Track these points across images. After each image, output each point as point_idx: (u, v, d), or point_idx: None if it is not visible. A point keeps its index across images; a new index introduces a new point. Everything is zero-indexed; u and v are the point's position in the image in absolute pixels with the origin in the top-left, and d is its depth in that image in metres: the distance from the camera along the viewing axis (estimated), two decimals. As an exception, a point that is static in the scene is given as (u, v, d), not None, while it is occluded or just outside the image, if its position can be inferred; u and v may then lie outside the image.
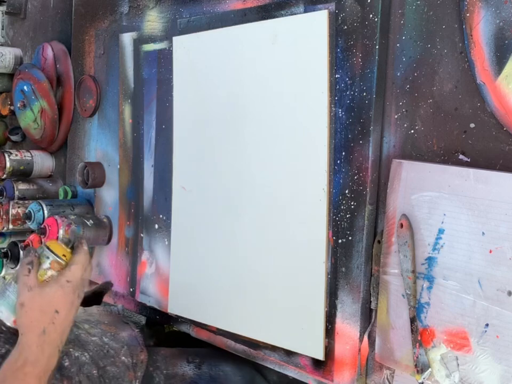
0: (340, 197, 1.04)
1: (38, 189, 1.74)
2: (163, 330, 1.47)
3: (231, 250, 1.23)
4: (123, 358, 1.16)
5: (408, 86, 0.97)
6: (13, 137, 1.92)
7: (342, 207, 1.04)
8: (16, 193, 1.69)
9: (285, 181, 1.12)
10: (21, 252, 1.68)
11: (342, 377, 1.05)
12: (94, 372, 1.09)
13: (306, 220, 1.09)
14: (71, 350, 1.08)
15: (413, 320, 0.94)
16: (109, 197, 1.56)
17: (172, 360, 1.23)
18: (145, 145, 1.44)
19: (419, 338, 0.93)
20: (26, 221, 1.59)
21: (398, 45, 0.98)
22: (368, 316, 1.03)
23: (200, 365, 1.23)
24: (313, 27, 1.06)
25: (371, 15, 0.99)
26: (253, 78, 1.17)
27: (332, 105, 1.05)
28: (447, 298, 0.90)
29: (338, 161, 1.04)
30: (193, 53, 1.30)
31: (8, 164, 1.71)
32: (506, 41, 0.84)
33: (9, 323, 0.96)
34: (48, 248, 0.99)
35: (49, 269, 0.97)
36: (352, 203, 1.03)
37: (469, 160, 0.90)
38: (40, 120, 1.71)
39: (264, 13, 1.16)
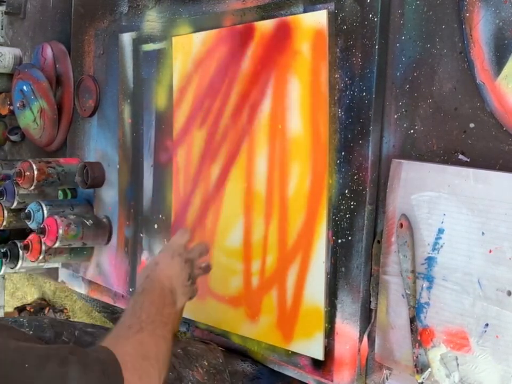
0: (340, 197, 1.04)
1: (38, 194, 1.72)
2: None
3: (230, 249, 1.23)
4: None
5: (407, 86, 0.97)
6: (12, 137, 1.92)
7: (342, 207, 1.04)
8: (17, 197, 1.68)
9: (285, 181, 1.12)
10: (21, 252, 1.68)
11: (341, 377, 1.05)
12: None
13: (306, 219, 1.09)
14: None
15: (412, 320, 0.94)
16: (109, 197, 1.56)
17: (227, 359, 1.23)
18: (144, 145, 1.44)
19: (419, 338, 0.93)
20: (26, 221, 1.59)
21: (397, 44, 0.98)
22: (367, 316, 1.03)
23: (254, 362, 1.23)
24: (313, 27, 1.06)
25: (370, 15, 0.99)
26: (252, 77, 1.17)
27: (332, 105, 1.05)
28: (447, 298, 0.90)
29: (338, 161, 1.04)
30: (192, 53, 1.30)
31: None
32: (506, 41, 0.84)
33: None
34: None
35: None
36: (351, 203, 1.03)
37: (468, 160, 0.90)
38: (39, 120, 1.71)
39: (263, 13, 1.16)
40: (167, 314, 1.00)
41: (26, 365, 0.78)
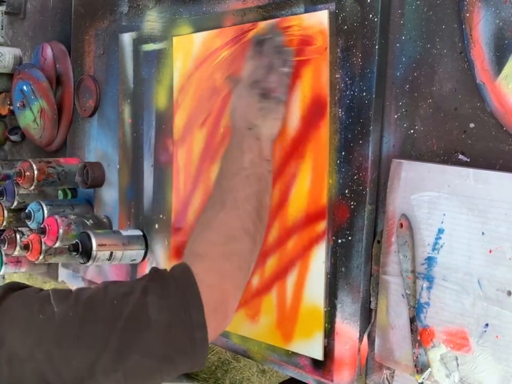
0: (340, 197, 1.04)
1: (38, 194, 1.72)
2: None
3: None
4: None
5: (407, 86, 0.97)
6: (12, 137, 1.92)
7: (342, 207, 1.04)
8: (17, 197, 1.68)
9: (285, 181, 1.12)
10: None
11: (341, 377, 1.05)
12: None
13: (306, 219, 1.09)
14: None
15: (412, 320, 0.94)
16: (109, 196, 1.56)
17: None
18: (145, 145, 1.44)
19: (419, 338, 0.93)
20: (26, 221, 1.59)
21: (397, 44, 0.98)
22: (367, 316, 1.03)
23: None
24: (314, 27, 1.06)
25: (371, 15, 0.99)
26: (252, 78, 1.17)
27: (332, 105, 1.05)
28: (447, 298, 0.90)
29: (338, 161, 1.04)
30: (193, 53, 1.30)
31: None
32: (506, 41, 0.84)
33: None
34: None
35: None
36: (352, 203, 1.03)
37: (468, 160, 0.90)
38: (39, 120, 1.71)
39: (264, 13, 1.16)
40: (248, 162, 1.01)
41: (115, 302, 0.87)
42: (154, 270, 0.95)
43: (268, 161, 1.05)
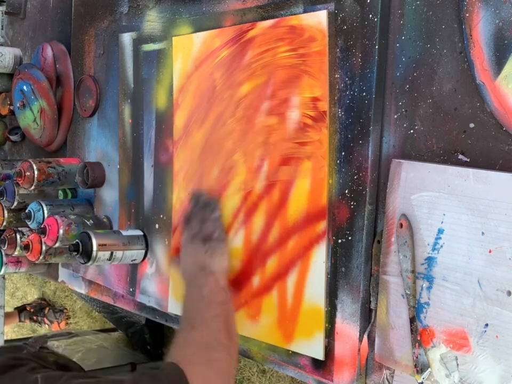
0: (340, 197, 1.04)
1: (38, 194, 1.72)
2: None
3: (231, 249, 1.23)
4: None
5: (407, 86, 0.97)
6: (13, 137, 1.92)
7: (342, 207, 1.04)
8: (17, 197, 1.68)
9: (285, 181, 1.12)
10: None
11: (341, 377, 1.05)
12: None
13: (306, 219, 1.09)
14: None
15: (412, 320, 0.94)
16: (109, 197, 1.56)
17: None
18: (145, 145, 1.44)
19: (419, 338, 0.94)
20: (26, 221, 1.59)
21: (397, 45, 0.98)
22: (367, 316, 1.03)
23: None
24: (313, 27, 1.06)
25: (370, 15, 0.99)
26: (252, 77, 1.17)
27: (332, 105, 1.05)
28: (447, 298, 0.90)
29: (338, 161, 1.04)
30: (193, 53, 1.30)
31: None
32: (506, 41, 0.84)
33: None
34: None
35: None
36: (351, 203, 1.03)
37: (468, 160, 0.90)
38: (39, 120, 1.72)
39: (263, 13, 1.16)
40: (207, 292, 1.09)
41: None
42: (145, 367, 0.97)
43: (225, 291, 1.13)
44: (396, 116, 0.99)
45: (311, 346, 1.09)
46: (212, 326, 1.05)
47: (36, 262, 1.62)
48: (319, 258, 1.07)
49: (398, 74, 0.98)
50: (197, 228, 1.21)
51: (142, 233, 1.44)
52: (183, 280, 1.19)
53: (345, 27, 1.02)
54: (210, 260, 1.16)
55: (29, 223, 1.58)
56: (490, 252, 0.85)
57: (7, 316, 2.94)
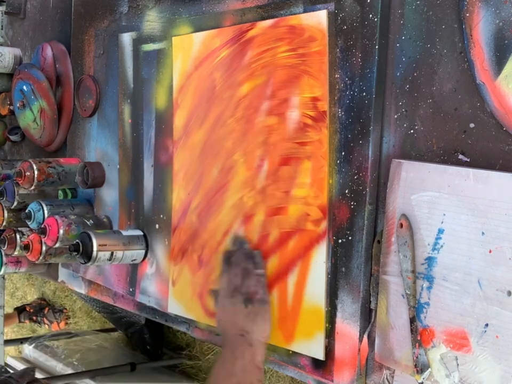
0: (340, 197, 1.04)
1: (38, 194, 1.72)
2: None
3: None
4: None
5: (407, 86, 0.97)
6: (12, 137, 1.92)
7: (342, 207, 1.04)
8: (17, 197, 1.68)
9: (285, 181, 1.12)
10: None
11: (341, 377, 1.05)
12: None
13: (306, 219, 1.09)
14: None
15: (412, 320, 0.94)
16: (109, 197, 1.56)
17: None
18: (144, 145, 1.44)
19: (419, 338, 0.94)
20: (26, 221, 1.59)
21: (397, 45, 0.98)
22: (368, 316, 1.03)
23: None
24: (313, 27, 1.06)
25: (371, 15, 0.99)
26: (252, 77, 1.17)
27: (332, 105, 1.05)
28: (447, 298, 0.90)
29: (338, 161, 1.04)
30: (192, 53, 1.30)
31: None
32: (506, 41, 0.84)
33: None
34: None
35: None
36: (351, 203, 1.03)
37: (468, 160, 0.90)
38: (39, 120, 1.72)
39: (263, 13, 1.16)
40: (240, 368, 1.03)
41: None
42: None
43: (259, 369, 1.07)
44: (396, 116, 0.99)
45: (311, 346, 1.09)
46: None
47: (36, 262, 1.62)
48: (320, 258, 1.07)
49: (398, 74, 0.98)
50: (238, 281, 1.12)
51: (142, 233, 1.43)
52: (220, 334, 1.14)
53: (345, 27, 1.02)
54: (251, 325, 1.08)
55: (29, 223, 1.58)
56: (490, 252, 0.85)
57: (7, 317, 2.94)
